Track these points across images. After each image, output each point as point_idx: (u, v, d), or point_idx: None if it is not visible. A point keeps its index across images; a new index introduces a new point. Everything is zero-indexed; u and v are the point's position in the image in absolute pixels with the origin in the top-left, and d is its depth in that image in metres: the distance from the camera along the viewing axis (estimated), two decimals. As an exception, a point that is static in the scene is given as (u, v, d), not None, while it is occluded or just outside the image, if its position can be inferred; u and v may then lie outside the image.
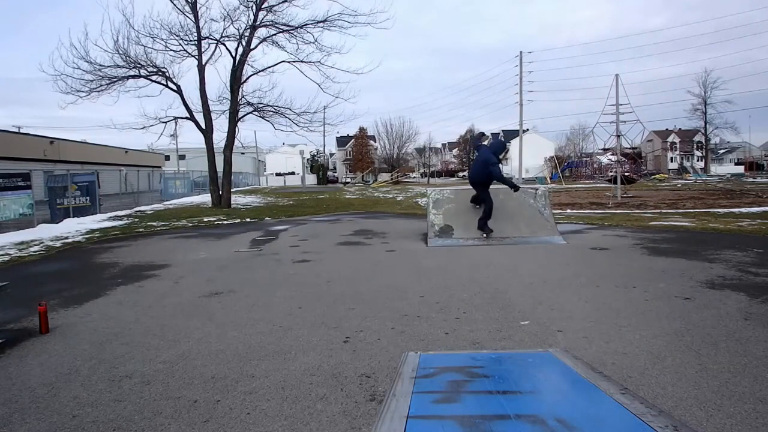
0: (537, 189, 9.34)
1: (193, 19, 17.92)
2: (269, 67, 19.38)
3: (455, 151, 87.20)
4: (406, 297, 4.91)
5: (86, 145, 36.34)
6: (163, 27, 18.57)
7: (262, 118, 19.96)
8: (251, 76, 19.43)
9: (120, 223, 13.83)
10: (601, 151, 43.19)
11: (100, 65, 16.68)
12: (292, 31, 18.46)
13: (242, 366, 3.25)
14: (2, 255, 8.36)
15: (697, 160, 72.90)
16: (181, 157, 50.87)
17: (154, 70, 17.73)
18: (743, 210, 13.90)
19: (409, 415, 1.24)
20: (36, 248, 9.16)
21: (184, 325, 4.19)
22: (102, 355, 3.52)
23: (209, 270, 6.66)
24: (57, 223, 13.29)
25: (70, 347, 3.71)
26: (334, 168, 79.24)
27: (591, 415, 1.26)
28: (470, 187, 8.68)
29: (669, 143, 74.55)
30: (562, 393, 1.50)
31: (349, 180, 68.23)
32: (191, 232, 11.45)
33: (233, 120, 19.06)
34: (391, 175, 62.65)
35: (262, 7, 18.06)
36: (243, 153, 43.61)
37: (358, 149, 72.63)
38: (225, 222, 13.75)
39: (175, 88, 18.28)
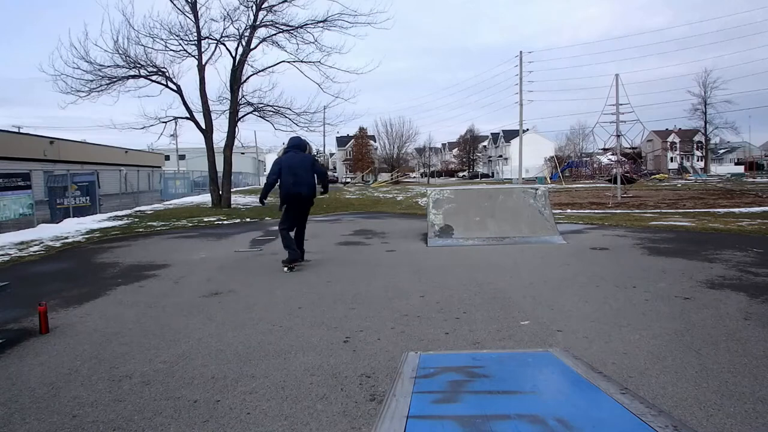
0: (537, 189, 9.33)
1: (193, 19, 17.93)
2: (269, 67, 19.43)
3: (455, 151, 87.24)
4: (406, 297, 4.91)
5: (86, 145, 36.34)
6: (163, 27, 18.58)
7: (262, 118, 19.98)
8: (251, 76, 19.47)
9: (120, 223, 13.83)
10: (601, 151, 43.20)
11: (100, 65, 16.71)
12: (292, 31, 18.49)
13: (242, 366, 3.25)
14: (2, 255, 8.36)
15: (697, 160, 72.90)
16: (181, 157, 50.84)
17: (154, 70, 17.75)
18: (743, 210, 13.90)
19: (409, 415, 1.24)
20: (36, 248, 9.16)
21: (184, 325, 4.19)
22: (102, 355, 3.52)
23: (209, 270, 6.66)
24: (57, 223, 13.29)
25: (70, 347, 3.71)
26: (334, 168, 79.21)
27: (591, 415, 1.26)
28: (470, 187, 8.63)
29: (669, 143, 74.59)
30: (562, 393, 1.50)
31: (349, 180, 68.24)
32: (191, 232, 11.44)
33: (233, 120, 19.07)
34: (391, 175, 62.65)
35: (262, 7, 18.08)
36: (243, 153, 43.58)
37: (358, 149, 72.65)
38: (225, 222, 13.75)
39: (175, 88, 18.30)
